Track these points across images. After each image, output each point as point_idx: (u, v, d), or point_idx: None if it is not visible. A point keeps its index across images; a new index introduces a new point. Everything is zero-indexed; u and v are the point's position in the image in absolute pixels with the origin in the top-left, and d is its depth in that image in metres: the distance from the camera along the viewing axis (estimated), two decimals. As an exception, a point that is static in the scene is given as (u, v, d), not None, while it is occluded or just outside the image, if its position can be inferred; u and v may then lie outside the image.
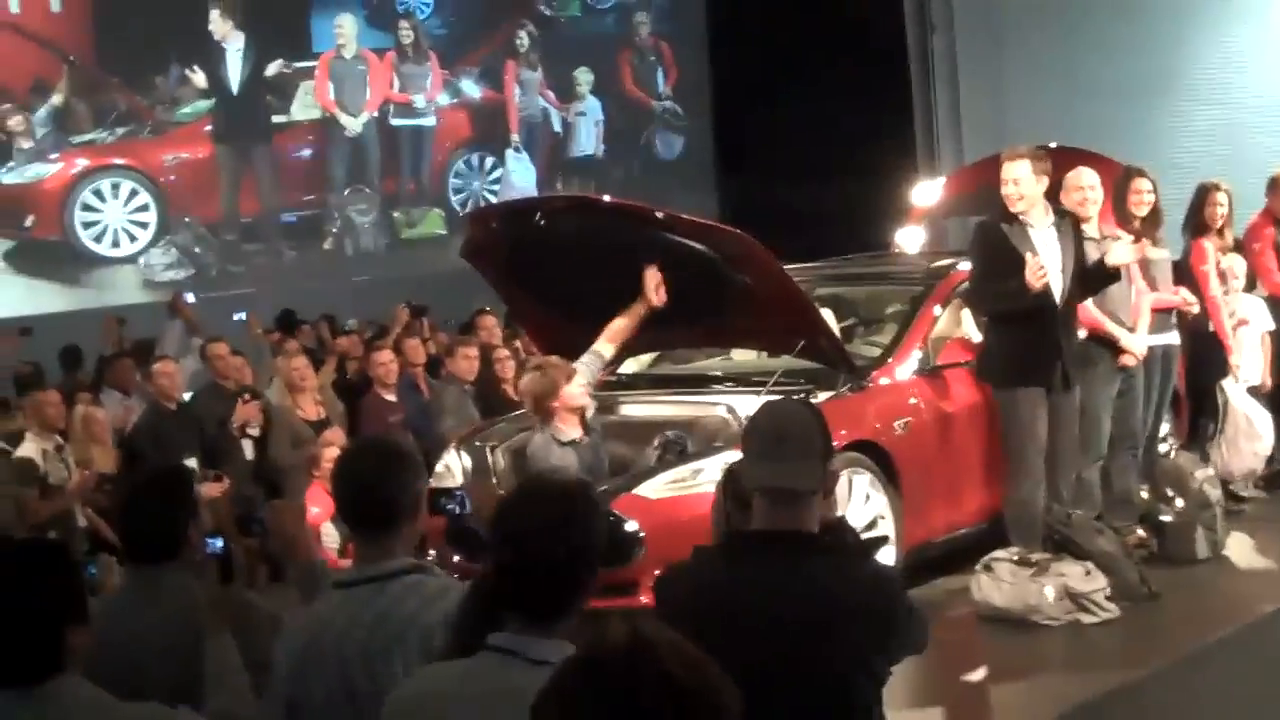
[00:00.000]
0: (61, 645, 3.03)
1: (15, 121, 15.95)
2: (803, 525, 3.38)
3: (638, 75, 20.65)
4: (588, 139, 20.09)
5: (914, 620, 3.43)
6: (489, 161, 19.35)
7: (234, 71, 17.30)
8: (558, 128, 19.84)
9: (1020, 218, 7.68)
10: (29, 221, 16.19)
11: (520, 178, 19.33)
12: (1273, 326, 9.64)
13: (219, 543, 3.59)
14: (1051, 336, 7.62)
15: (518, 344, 11.84)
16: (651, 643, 1.97)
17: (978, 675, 6.56)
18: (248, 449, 9.89)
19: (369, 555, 3.57)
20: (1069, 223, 7.80)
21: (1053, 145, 10.91)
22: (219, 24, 17.18)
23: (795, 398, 3.86)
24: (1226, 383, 9.28)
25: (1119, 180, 8.57)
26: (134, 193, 16.75)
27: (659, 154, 20.48)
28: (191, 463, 9.36)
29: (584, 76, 19.99)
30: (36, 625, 3.01)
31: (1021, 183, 7.65)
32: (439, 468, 8.04)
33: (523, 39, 19.55)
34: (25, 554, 3.21)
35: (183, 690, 3.43)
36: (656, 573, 6.94)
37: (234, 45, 17.25)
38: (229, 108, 17.26)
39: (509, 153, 19.34)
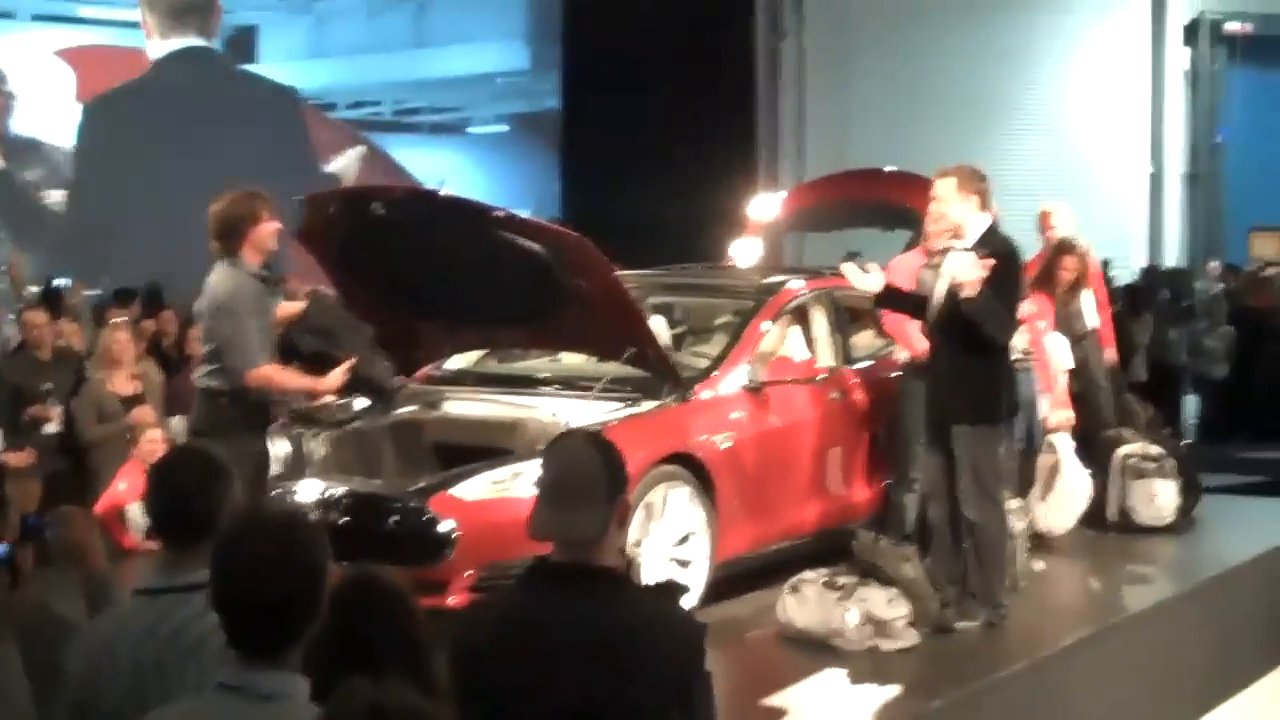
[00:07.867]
0: None
1: None
2: (596, 560, 3.43)
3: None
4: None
5: (707, 685, 3.45)
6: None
7: None
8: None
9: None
10: None
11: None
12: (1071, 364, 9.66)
13: (4, 548, 3.50)
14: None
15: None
16: (389, 713, 1.99)
17: (772, 699, 6.57)
18: (55, 420, 9.63)
19: (177, 564, 3.52)
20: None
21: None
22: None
23: (585, 434, 3.83)
24: (1058, 438, 9.25)
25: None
26: None
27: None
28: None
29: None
30: None
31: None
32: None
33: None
34: None
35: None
36: (467, 572, 7.02)
37: None
38: None
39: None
